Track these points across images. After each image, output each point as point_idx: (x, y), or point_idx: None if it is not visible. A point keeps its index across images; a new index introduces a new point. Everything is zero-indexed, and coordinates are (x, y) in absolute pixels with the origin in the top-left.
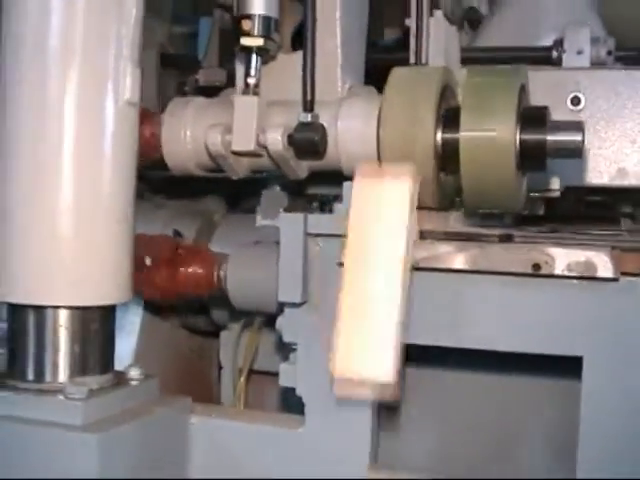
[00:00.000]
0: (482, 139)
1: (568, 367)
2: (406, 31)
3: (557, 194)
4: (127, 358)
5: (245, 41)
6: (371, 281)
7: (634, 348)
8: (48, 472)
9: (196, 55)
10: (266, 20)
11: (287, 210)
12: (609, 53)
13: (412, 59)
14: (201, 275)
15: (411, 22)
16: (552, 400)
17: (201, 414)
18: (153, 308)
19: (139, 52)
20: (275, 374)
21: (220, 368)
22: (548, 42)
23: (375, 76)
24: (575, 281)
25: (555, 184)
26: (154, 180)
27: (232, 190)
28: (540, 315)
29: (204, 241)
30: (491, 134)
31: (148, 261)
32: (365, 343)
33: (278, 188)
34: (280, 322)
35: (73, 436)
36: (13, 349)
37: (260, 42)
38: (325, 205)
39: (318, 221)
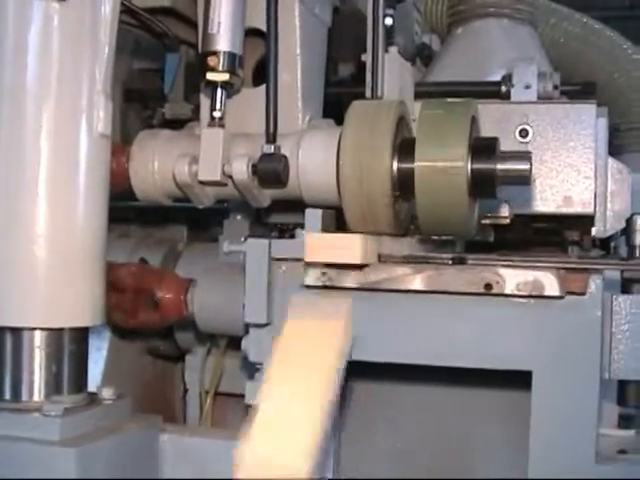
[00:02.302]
0: (435, 169)
1: (519, 380)
2: (360, 66)
3: (507, 221)
4: (95, 381)
5: (211, 76)
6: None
7: (579, 361)
8: None
9: (162, 89)
10: (231, 56)
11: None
12: (555, 87)
13: (368, 93)
14: (169, 300)
15: (367, 57)
16: (503, 411)
17: (172, 432)
18: (120, 333)
19: (111, 86)
20: (238, 395)
21: (185, 391)
22: (497, 77)
23: (330, 109)
24: (524, 299)
25: (505, 211)
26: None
27: (193, 220)
28: (492, 332)
29: (169, 269)
30: (444, 164)
31: (118, 286)
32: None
33: (239, 217)
34: (246, 342)
35: (51, 451)
36: None
37: (225, 77)
38: (284, 233)
39: (282, 246)
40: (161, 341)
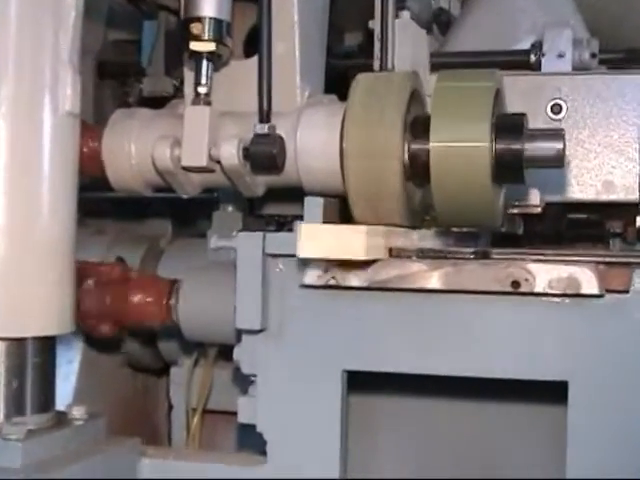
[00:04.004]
0: (454, 150)
1: (553, 391)
2: (369, 35)
3: (538, 210)
4: (65, 398)
5: (195, 46)
6: None
7: (621, 369)
8: None
9: (139, 63)
10: (217, 23)
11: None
12: (593, 56)
13: (376, 65)
14: (150, 304)
15: (375, 24)
16: (536, 427)
17: (153, 456)
18: (94, 343)
19: (79, 58)
20: (229, 413)
21: (170, 408)
22: (526, 45)
23: (334, 84)
24: (557, 299)
25: (535, 199)
26: (90, 202)
27: (178, 213)
28: (520, 338)
29: (150, 268)
30: (464, 144)
31: (90, 290)
32: None
33: (230, 209)
34: (238, 352)
35: None
36: None
37: (211, 47)
38: (283, 226)
39: (278, 240)
40: (141, 352)
